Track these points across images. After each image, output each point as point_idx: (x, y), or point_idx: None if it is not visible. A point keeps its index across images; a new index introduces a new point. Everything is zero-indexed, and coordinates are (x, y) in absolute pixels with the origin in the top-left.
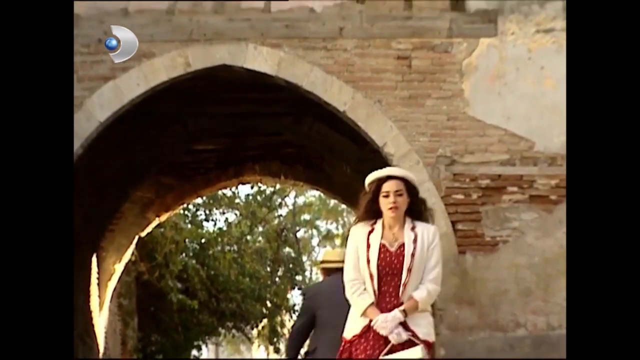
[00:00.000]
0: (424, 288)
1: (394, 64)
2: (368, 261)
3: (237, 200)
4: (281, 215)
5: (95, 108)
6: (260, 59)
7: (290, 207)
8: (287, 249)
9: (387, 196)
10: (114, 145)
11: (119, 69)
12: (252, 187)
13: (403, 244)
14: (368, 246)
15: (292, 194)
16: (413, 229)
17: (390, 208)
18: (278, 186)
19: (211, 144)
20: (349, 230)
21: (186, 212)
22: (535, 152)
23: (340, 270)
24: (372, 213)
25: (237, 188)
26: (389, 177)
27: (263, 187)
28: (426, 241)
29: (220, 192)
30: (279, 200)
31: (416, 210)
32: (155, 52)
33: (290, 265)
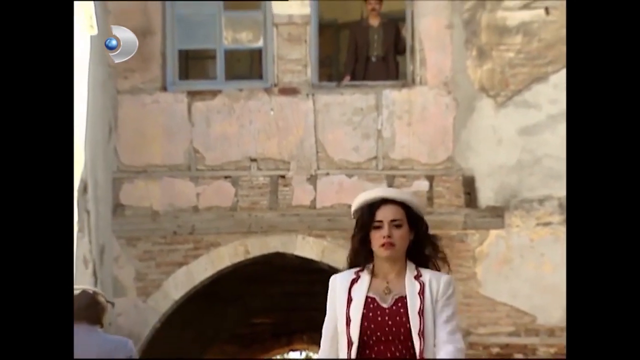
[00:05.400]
0: (452, 348)
1: None
2: (348, 322)
3: None
4: None
5: (170, 289)
6: (307, 248)
7: None
8: None
9: (379, 227)
10: (187, 320)
11: (191, 257)
12: (300, 354)
13: (402, 298)
14: (349, 301)
15: None
16: (418, 277)
17: (384, 244)
18: None
19: (267, 318)
20: None
21: None
22: (537, 325)
23: None
24: (363, 255)
25: (288, 354)
26: (384, 201)
27: (310, 354)
28: (435, 292)
29: (274, 358)
30: None
31: (421, 252)
32: (220, 242)
33: None
